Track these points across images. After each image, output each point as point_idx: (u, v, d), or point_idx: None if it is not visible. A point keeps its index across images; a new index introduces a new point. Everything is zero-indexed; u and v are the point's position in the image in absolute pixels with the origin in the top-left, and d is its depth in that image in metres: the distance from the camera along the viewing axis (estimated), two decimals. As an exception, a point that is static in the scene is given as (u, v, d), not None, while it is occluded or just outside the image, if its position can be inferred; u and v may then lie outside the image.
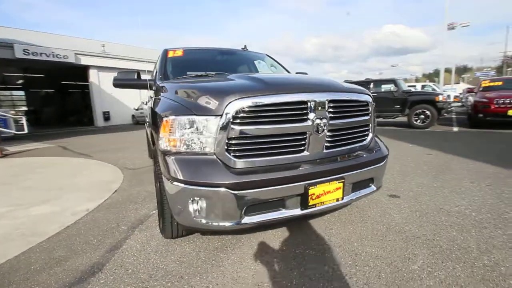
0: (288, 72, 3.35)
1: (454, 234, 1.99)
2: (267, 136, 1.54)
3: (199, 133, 1.51)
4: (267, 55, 3.61)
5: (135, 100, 18.39)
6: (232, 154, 1.52)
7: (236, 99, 1.46)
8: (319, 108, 1.60)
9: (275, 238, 2.05)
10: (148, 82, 2.64)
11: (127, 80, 2.68)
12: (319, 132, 1.63)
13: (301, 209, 1.61)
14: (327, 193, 1.63)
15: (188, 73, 2.64)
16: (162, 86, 2.22)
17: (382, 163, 1.92)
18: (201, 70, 2.96)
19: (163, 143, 1.63)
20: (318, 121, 1.60)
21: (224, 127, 1.46)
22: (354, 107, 1.80)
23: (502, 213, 2.30)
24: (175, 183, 1.51)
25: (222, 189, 1.43)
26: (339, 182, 1.66)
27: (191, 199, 1.48)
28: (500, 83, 8.35)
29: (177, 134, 1.56)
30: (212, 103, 1.49)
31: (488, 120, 7.26)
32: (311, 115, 1.58)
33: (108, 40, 19.82)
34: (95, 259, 1.88)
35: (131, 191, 3.36)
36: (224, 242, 2.02)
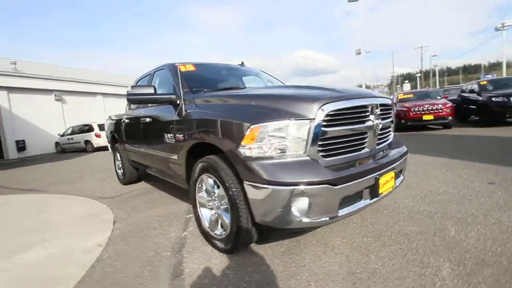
0: (283, 83, 3.66)
1: (456, 207, 2.53)
2: (344, 136, 1.75)
3: (292, 137, 1.61)
4: (261, 70, 3.84)
5: (58, 125, 15.87)
6: (320, 153, 1.66)
7: (325, 104, 1.64)
8: (374, 110, 1.90)
9: (328, 234, 2.21)
10: (170, 96, 2.52)
11: (144, 95, 2.50)
12: (375, 131, 1.92)
13: (371, 199, 1.84)
14: (387, 182, 1.91)
15: (202, 87, 2.64)
16: (207, 98, 2.23)
17: (407, 156, 2.33)
18: (213, 83, 2.99)
19: (249, 150, 1.65)
20: (376, 121, 1.89)
21: (315, 130, 1.61)
22: (389, 109, 2.18)
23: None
24: (275, 187, 1.55)
25: (325, 186, 1.55)
26: (393, 172, 1.97)
27: (295, 199, 1.55)
28: (411, 95, 10.56)
29: (267, 139, 1.62)
30: (305, 108, 1.62)
31: (409, 125, 9.05)
32: (372, 117, 1.87)
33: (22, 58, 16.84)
34: (165, 288, 1.69)
35: (134, 218, 3.00)
36: (287, 246, 2.08)
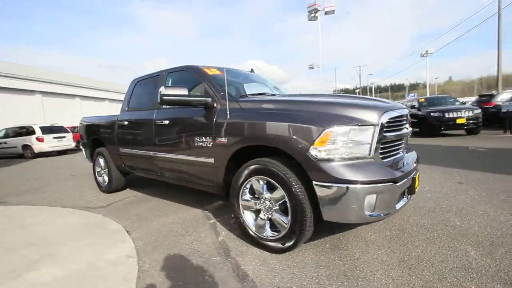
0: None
1: (446, 202, 3.04)
2: (393, 141, 2.01)
3: (359, 140, 1.79)
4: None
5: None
6: (380, 156, 1.89)
7: (385, 112, 1.87)
8: (408, 119, 2.23)
9: (361, 231, 2.45)
10: (206, 99, 2.49)
11: (180, 96, 2.42)
12: (407, 136, 2.25)
13: (408, 195, 2.13)
14: (416, 181, 2.24)
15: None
16: (256, 103, 2.32)
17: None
18: (241, 88, 3.04)
19: (321, 152, 1.77)
20: (410, 128, 2.22)
21: (378, 134, 1.83)
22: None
23: (448, 187, 3.62)
24: (350, 185, 1.70)
25: (390, 183, 1.77)
26: (418, 173, 2.31)
27: (367, 196, 1.72)
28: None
29: (338, 142, 1.77)
30: (370, 115, 1.82)
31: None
32: (406, 125, 2.19)
33: None
34: (240, 291, 1.68)
35: (149, 227, 2.80)
36: (331, 243, 2.23)
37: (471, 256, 1.92)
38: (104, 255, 2.22)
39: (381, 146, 1.89)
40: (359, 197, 1.72)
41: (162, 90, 2.40)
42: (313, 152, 1.80)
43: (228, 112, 2.31)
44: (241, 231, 2.33)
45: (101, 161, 4.35)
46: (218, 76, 2.82)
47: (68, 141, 12.29)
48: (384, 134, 1.87)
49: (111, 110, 23.76)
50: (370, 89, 61.52)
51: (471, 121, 9.14)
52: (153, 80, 3.39)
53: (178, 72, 3.10)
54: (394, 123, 2.01)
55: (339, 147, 1.78)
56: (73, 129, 13.92)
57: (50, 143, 11.38)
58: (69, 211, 3.51)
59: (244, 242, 2.32)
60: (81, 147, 5.00)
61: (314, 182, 1.82)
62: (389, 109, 1.96)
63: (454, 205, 2.93)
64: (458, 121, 9.16)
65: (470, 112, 9.20)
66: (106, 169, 4.23)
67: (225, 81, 2.37)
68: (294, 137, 1.88)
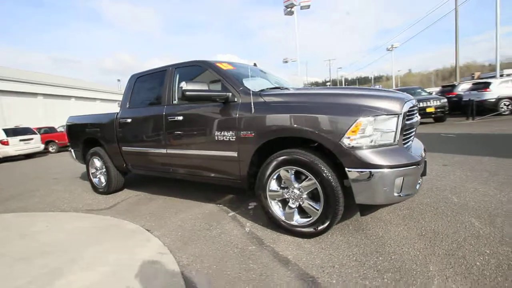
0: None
1: (439, 183, 3.38)
2: (409, 128, 2.21)
3: (386, 128, 1.96)
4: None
5: None
6: (402, 142, 2.08)
7: (406, 102, 2.06)
8: (417, 108, 2.46)
9: (376, 212, 2.66)
10: (227, 94, 2.51)
11: (202, 91, 2.42)
12: (417, 124, 2.47)
13: (420, 179, 2.35)
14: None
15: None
16: (279, 97, 2.38)
17: None
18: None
19: (353, 141, 1.92)
20: (419, 117, 2.44)
21: (401, 123, 2.01)
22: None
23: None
24: (383, 170, 1.87)
25: (414, 166, 1.96)
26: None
27: (396, 179, 1.90)
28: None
29: (368, 131, 1.92)
30: (396, 105, 1.99)
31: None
32: (417, 113, 2.41)
33: None
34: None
35: (170, 225, 2.78)
36: (353, 225, 2.41)
37: (477, 226, 2.20)
38: (135, 254, 2.19)
39: (403, 133, 2.08)
40: (390, 180, 1.89)
41: (184, 85, 2.38)
42: (345, 141, 1.94)
43: (252, 106, 2.36)
44: (269, 220, 2.42)
45: (97, 161, 4.15)
46: (232, 71, 2.85)
47: (36, 143, 11.36)
48: (405, 122, 2.06)
49: (81, 109, 22.23)
50: (340, 82, 63.93)
51: (439, 110, 10.01)
52: (158, 75, 3.31)
53: (188, 67, 3.06)
54: (411, 112, 2.21)
55: (369, 135, 1.93)
56: (39, 130, 12.87)
57: (16, 146, 10.45)
58: (72, 215, 3.34)
59: (272, 231, 2.42)
60: (69, 148, 4.70)
61: (347, 169, 1.96)
62: (408, 99, 2.15)
63: (447, 184, 3.27)
64: (428, 110, 9.98)
65: (438, 101, 10.06)
66: (103, 170, 4.06)
67: (249, 76, 2.41)
68: (327, 127, 2.00)
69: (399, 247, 2.01)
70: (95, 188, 4.25)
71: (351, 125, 1.92)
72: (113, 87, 31.62)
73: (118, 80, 34.85)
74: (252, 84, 3.31)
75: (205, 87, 2.46)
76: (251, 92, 2.38)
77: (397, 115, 1.99)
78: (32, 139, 11.21)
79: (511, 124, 8.44)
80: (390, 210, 2.67)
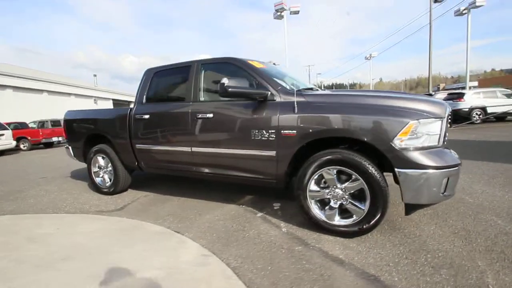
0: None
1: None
2: (445, 132, 2.33)
3: (433, 131, 2.04)
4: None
5: None
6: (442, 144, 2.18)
7: (447, 107, 2.17)
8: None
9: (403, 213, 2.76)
10: (265, 92, 2.48)
11: (244, 88, 2.37)
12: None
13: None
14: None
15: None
16: (324, 97, 2.44)
17: None
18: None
19: (403, 142, 1.98)
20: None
21: (444, 126, 2.11)
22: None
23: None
24: (433, 170, 1.95)
25: (458, 167, 2.07)
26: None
27: (443, 179, 1.99)
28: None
29: (418, 133, 2.00)
30: (441, 110, 2.08)
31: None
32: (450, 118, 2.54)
33: None
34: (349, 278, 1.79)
35: (198, 227, 2.68)
36: (388, 225, 2.48)
37: (501, 224, 2.37)
38: (178, 257, 2.08)
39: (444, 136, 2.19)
40: (439, 180, 1.98)
41: (226, 81, 2.32)
42: (396, 142, 2.00)
43: (296, 106, 2.35)
44: (309, 220, 2.41)
45: (101, 160, 3.90)
46: (266, 69, 2.82)
47: (7, 140, 10.38)
48: (445, 126, 2.17)
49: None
50: (320, 86, 65.76)
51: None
52: (181, 71, 3.18)
53: (216, 63, 2.99)
54: (449, 117, 2.33)
55: (418, 137, 2.01)
56: (9, 125, 11.80)
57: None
58: (82, 216, 3.09)
59: (310, 231, 2.42)
60: (67, 145, 4.35)
61: (397, 169, 2.02)
62: (447, 105, 2.27)
63: (457, 187, 3.48)
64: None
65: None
66: (109, 168, 3.82)
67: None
68: (380, 129, 2.05)
69: (440, 244, 2.10)
70: (97, 188, 3.97)
71: (403, 127, 1.99)
72: (88, 82, 29.86)
73: (95, 75, 32.99)
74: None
75: (246, 84, 2.42)
76: (294, 92, 2.37)
77: (441, 119, 2.09)
78: (3, 134, 10.23)
79: (482, 132, 9.23)
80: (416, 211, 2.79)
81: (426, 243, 2.13)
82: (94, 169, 3.99)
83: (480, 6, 14.85)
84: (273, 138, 2.46)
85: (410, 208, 2.15)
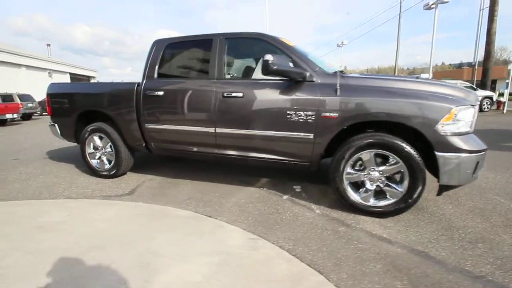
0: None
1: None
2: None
3: (469, 117, 2.17)
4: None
5: None
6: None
7: (477, 96, 2.30)
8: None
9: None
10: (304, 72, 2.39)
11: (286, 67, 2.26)
12: None
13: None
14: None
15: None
16: (366, 81, 2.40)
17: None
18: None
19: (445, 127, 2.08)
20: None
21: (476, 113, 2.25)
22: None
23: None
24: (471, 154, 2.09)
25: (485, 152, 2.24)
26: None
27: (476, 162, 2.15)
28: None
29: (458, 119, 2.10)
30: (474, 97, 2.21)
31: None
32: None
33: None
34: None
35: (230, 210, 2.59)
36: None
37: (504, 202, 2.66)
38: (223, 241, 2.00)
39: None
40: (473, 163, 2.14)
41: (270, 58, 2.18)
42: (439, 126, 2.09)
43: (338, 88, 2.32)
44: (344, 202, 2.46)
45: (97, 139, 3.52)
46: (299, 49, 2.71)
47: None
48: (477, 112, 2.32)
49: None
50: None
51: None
52: (201, 44, 2.92)
53: (243, 38, 2.79)
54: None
55: (457, 122, 2.12)
56: None
57: None
58: (92, 202, 2.80)
59: (343, 212, 2.48)
60: (51, 123, 3.83)
61: (437, 153, 2.13)
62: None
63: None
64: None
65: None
66: (108, 150, 3.48)
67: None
68: (425, 114, 2.11)
69: (464, 221, 2.30)
70: (94, 171, 3.61)
71: (448, 113, 2.08)
72: (39, 53, 26.25)
73: (48, 45, 28.98)
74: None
75: (287, 63, 2.31)
76: (338, 74, 2.33)
77: (474, 106, 2.22)
78: None
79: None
80: (426, 192, 3.00)
81: (452, 221, 2.31)
82: (89, 150, 3.60)
83: (447, 2, 15.83)
84: (311, 120, 2.42)
85: (443, 190, 2.30)
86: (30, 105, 14.15)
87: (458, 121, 2.12)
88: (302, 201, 2.76)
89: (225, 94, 2.69)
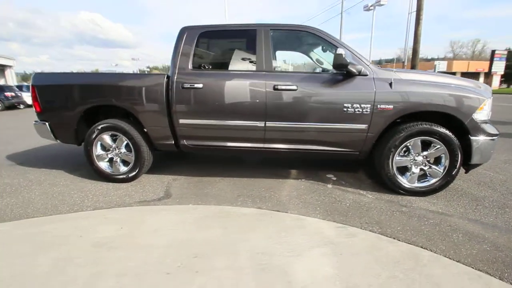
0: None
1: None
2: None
3: (489, 108, 2.64)
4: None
5: None
6: (484, 120, 2.83)
7: (490, 89, 2.81)
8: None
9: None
10: (359, 66, 2.53)
11: (352, 61, 2.37)
12: None
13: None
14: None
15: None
16: (409, 75, 2.64)
17: None
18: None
19: (479, 115, 2.51)
20: None
21: (491, 104, 2.75)
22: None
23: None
24: (494, 137, 2.56)
25: (497, 136, 2.76)
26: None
27: (494, 144, 2.64)
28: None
29: (485, 109, 2.55)
30: (490, 91, 2.69)
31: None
32: None
33: None
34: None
35: (294, 204, 2.61)
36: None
37: (492, 175, 3.33)
38: (319, 234, 2.04)
39: (484, 114, 2.85)
40: (493, 145, 2.63)
41: (342, 52, 2.26)
42: (475, 115, 2.51)
43: (393, 82, 2.53)
44: (392, 185, 2.73)
45: (108, 139, 3.06)
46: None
47: None
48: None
49: None
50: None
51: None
52: (243, 35, 2.78)
53: (290, 31, 2.76)
54: None
55: (484, 111, 2.57)
56: None
57: None
58: (133, 210, 2.45)
59: (391, 195, 2.76)
60: (40, 122, 3.12)
61: (473, 138, 2.54)
62: (488, 87, 2.93)
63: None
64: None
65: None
66: (123, 150, 3.08)
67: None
68: (465, 104, 2.49)
69: (481, 192, 2.83)
70: (106, 175, 3.13)
71: (482, 103, 2.50)
72: None
73: None
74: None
75: (350, 57, 2.41)
76: (393, 70, 2.54)
77: (491, 98, 2.71)
78: None
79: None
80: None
81: (472, 194, 2.80)
82: (98, 152, 3.09)
83: (383, 4, 18.01)
84: (367, 112, 2.59)
85: (470, 168, 2.75)
86: None
87: (486, 110, 2.57)
88: (348, 188, 2.95)
89: (277, 87, 2.65)
